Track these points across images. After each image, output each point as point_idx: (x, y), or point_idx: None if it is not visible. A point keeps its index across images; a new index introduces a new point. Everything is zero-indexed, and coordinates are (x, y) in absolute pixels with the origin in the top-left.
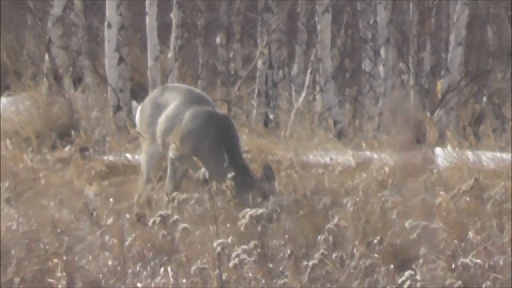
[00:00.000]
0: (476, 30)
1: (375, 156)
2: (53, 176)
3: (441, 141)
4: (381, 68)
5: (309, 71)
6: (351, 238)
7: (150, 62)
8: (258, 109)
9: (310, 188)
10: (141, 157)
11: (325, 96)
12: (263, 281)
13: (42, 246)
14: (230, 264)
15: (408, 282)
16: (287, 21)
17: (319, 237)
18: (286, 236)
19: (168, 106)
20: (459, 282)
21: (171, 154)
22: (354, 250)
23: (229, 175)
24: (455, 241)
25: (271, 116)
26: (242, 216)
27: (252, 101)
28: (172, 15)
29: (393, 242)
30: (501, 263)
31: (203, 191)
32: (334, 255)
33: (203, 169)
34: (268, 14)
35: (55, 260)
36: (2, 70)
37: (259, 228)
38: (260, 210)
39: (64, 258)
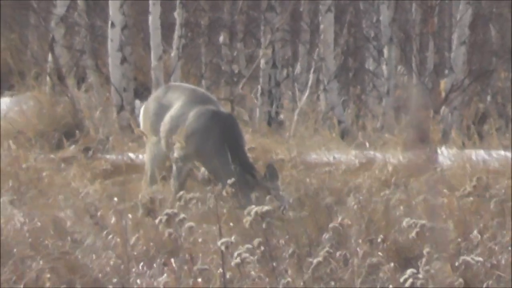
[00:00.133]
0: (479, 29)
1: (379, 155)
2: (57, 176)
3: (445, 140)
4: (384, 67)
5: (312, 70)
6: (355, 236)
7: (153, 62)
8: (261, 108)
9: (313, 187)
10: (145, 157)
11: (328, 96)
12: (267, 280)
13: (45, 245)
14: (232, 263)
15: (410, 281)
16: (290, 21)
17: (323, 235)
18: (289, 236)
19: (172, 105)
20: (461, 280)
21: (175, 153)
22: (358, 248)
23: (229, 181)
24: (459, 240)
25: (275, 116)
26: (247, 213)
27: (255, 101)
28: (175, 14)
29: (397, 240)
30: (503, 262)
31: (206, 191)
32: (337, 254)
33: (202, 169)
34: (271, 13)
35: (58, 259)
36: (5, 70)
37: (264, 225)
38: (266, 207)
39: (67, 257)
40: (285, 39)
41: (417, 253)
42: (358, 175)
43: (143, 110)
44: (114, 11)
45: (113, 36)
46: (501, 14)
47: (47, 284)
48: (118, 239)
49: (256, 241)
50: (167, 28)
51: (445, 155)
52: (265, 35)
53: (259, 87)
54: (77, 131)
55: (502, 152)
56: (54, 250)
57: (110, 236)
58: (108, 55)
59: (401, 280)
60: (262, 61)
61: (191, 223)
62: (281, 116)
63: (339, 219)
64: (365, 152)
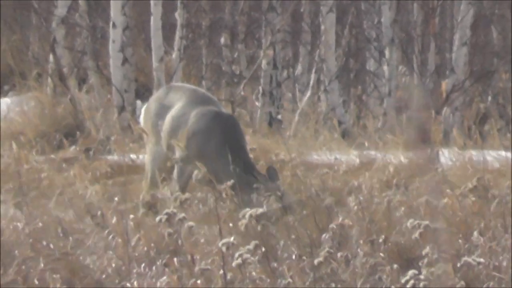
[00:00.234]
0: (481, 30)
1: (380, 155)
2: (58, 177)
3: (446, 140)
4: (385, 68)
5: (313, 71)
6: (356, 237)
7: (154, 63)
8: (262, 109)
9: (314, 188)
10: (145, 158)
11: (329, 96)
12: (268, 280)
13: (46, 246)
14: (233, 264)
15: (411, 282)
16: (291, 21)
17: (323, 236)
18: (289, 236)
19: (173, 106)
20: (462, 282)
21: (177, 155)
22: (359, 249)
23: (229, 183)
24: (460, 241)
25: (276, 116)
26: (242, 216)
27: (257, 102)
28: (176, 15)
29: (398, 241)
30: (504, 263)
31: (207, 191)
32: (339, 255)
33: (196, 172)
34: (272, 14)
35: (60, 260)
36: (7, 71)
37: (259, 228)
38: (260, 210)
39: (69, 258)
40: (286, 40)
41: (418, 254)
42: (359, 176)
43: (144, 111)
44: (115, 12)
45: (115, 37)
46: (503, 15)
47: (48, 285)
48: (119, 240)
49: (252, 244)
50: (168, 29)
51: (446, 155)
52: (266, 36)
53: (260, 88)
54: (78, 132)
55: (503, 153)
56: (55, 251)
57: (111, 237)
58: (110, 56)
59: (403, 281)
60: (263, 62)
61: (191, 223)
62: (280, 117)
63: (340, 219)
64: (366, 153)
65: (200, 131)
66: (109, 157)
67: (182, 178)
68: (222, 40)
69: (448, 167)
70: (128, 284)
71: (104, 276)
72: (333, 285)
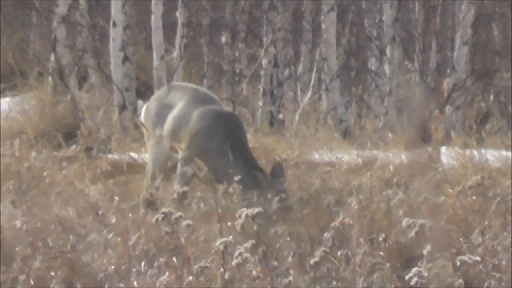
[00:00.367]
0: (482, 29)
1: (381, 155)
2: (58, 175)
3: (447, 139)
4: (386, 66)
5: (314, 70)
6: (356, 236)
7: (155, 61)
8: (263, 108)
9: (315, 187)
10: (146, 157)
11: (330, 95)
12: (268, 279)
13: (46, 244)
14: (233, 263)
15: (415, 279)
16: (292, 20)
17: (324, 235)
18: (290, 235)
19: (174, 106)
20: (461, 281)
21: (180, 154)
22: (359, 248)
23: (236, 178)
24: (460, 240)
25: (277, 115)
26: (238, 216)
27: (259, 103)
28: (177, 14)
29: (398, 240)
30: (504, 262)
31: (208, 190)
32: (339, 253)
33: (189, 168)
34: (273, 13)
35: (60, 259)
36: (7, 70)
37: (255, 228)
38: (256, 209)
39: (68, 256)
40: (287, 38)
41: (418, 253)
42: (360, 175)
43: (145, 110)
44: (116, 10)
45: (115, 35)
46: (504, 14)
47: (48, 284)
48: (119, 239)
49: (249, 243)
50: (169, 27)
51: (447, 154)
52: (267, 35)
53: (261, 87)
54: (78, 131)
55: (504, 152)
56: (55, 249)
57: (111, 236)
58: (110, 54)
59: (406, 278)
60: (264, 61)
61: (188, 221)
62: (281, 116)
63: (341, 218)
64: (367, 152)
65: (202, 130)
66: (110, 156)
67: (184, 177)
68: (223, 38)
69: (449, 166)
70: (128, 283)
71: (104, 274)
72: (334, 283)
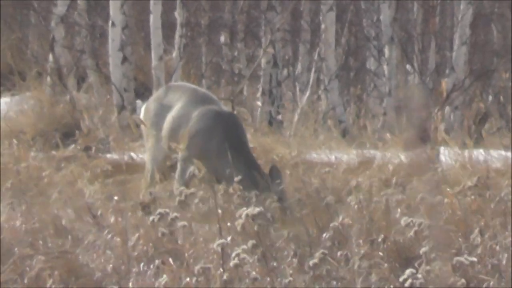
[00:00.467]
0: (481, 29)
1: (379, 154)
2: (57, 175)
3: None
4: (385, 67)
5: (313, 70)
6: (355, 236)
7: (154, 62)
8: (262, 108)
9: (314, 187)
10: (145, 157)
11: (329, 95)
12: (268, 279)
13: (45, 244)
14: (231, 264)
15: (409, 281)
16: (291, 20)
17: (323, 235)
18: (289, 235)
19: (173, 106)
20: (463, 280)
21: (180, 155)
22: (358, 248)
23: (236, 178)
24: (459, 240)
25: (276, 116)
26: (238, 216)
27: (258, 102)
28: (176, 14)
29: (397, 240)
30: (503, 262)
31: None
32: (338, 254)
33: (192, 168)
34: (272, 13)
35: (58, 259)
36: (6, 70)
37: (255, 228)
38: (257, 209)
39: (67, 256)
40: (285, 38)
41: (418, 253)
42: (358, 175)
43: (144, 110)
44: (114, 10)
45: (114, 35)
46: (503, 14)
47: (47, 284)
48: (118, 239)
49: (250, 243)
50: (167, 27)
51: (446, 154)
52: (266, 35)
53: (260, 87)
54: (76, 131)
55: (502, 152)
56: (54, 249)
57: (110, 236)
58: (109, 55)
59: (401, 280)
60: (263, 61)
61: (184, 222)
62: (280, 116)
63: (340, 218)
64: (365, 152)
65: (201, 131)
66: (109, 156)
67: (183, 177)
68: (222, 38)
69: (448, 166)
70: (126, 284)
71: (102, 275)
72: (334, 283)
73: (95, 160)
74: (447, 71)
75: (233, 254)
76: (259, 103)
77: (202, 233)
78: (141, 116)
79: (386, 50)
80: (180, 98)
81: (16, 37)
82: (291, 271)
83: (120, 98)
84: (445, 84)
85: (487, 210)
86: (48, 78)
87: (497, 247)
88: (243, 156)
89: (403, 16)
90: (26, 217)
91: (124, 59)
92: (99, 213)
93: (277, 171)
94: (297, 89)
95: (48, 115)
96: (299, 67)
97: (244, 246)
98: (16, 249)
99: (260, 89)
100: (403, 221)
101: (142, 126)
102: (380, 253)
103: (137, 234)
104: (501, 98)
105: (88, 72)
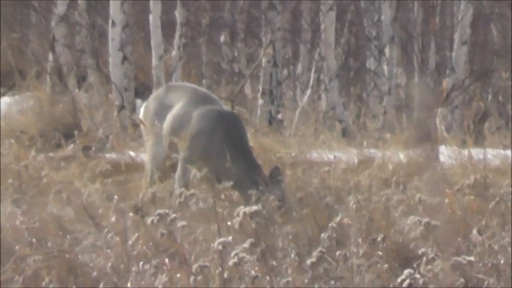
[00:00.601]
0: (481, 29)
1: (379, 154)
2: (57, 175)
3: (446, 139)
4: (385, 66)
5: (313, 69)
6: (355, 236)
7: (154, 61)
8: (262, 107)
9: (314, 186)
10: (145, 157)
11: (329, 95)
12: (267, 278)
13: (45, 244)
14: (230, 263)
15: (407, 281)
16: (291, 20)
17: (322, 235)
18: (289, 235)
19: (173, 106)
20: (462, 280)
21: (181, 155)
22: (357, 248)
23: (227, 184)
24: (459, 239)
25: (276, 115)
26: (236, 214)
27: (258, 102)
28: (176, 13)
29: (396, 240)
30: (502, 261)
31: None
32: (337, 253)
33: (195, 171)
34: (272, 12)
35: (57, 258)
36: (6, 69)
37: (253, 226)
38: (255, 208)
39: (67, 256)
40: (286, 38)
41: (416, 252)
42: (358, 174)
43: (144, 110)
44: (114, 10)
45: (114, 35)
46: (503, 13)
47: (46, 283)
48: (117, 238)
49: (248, 242)
50: (168, 27)
51: (446, 154)
52: (266, 35)
53: (260, 86)
54: (76, 131)
55: (502, 151)
56: (54, 248)
57: (110, 235)
58: (109, 54)
59: (399, 280)
60: (263, 60)
61: (184, 222)
62: (280, 116)
63: (339, 218)
64: (365, 151)
65: (203, 131)
66: (109, 155)
67: (184, 177)
68: (222, 38)
69: (448, 166)
70: (126, 283)
71: (101, 274)
72: (332, 283)
73: (95, 159)
74: (447, 71)
75: (233, 253)
76: (259, 102)
77: (201, 233)
78: (141, 115)
79: (387, 50)
80: (181, 97)
81: (16, 36)
82: (290, 271)
83: (120, 98)
84: (445, 83)
85: (486, 209)
86: (48, 78)
87: (496, 247)
88: (244, 156)
89: (404, 16)
90: (27, 217)
91: (124, 59)
92: (99, 212)
93: (278, 172)
94: (297, 88)
95: (48, 114)
96: (299, 67)
97: (243, 245)
98: (15, 248)
99: (260, 89)
100: (410, 220)
101: (141, 126)
102: (380, 253)
103: (136, 234)
104: (501, 97)
105: (88, 72)
